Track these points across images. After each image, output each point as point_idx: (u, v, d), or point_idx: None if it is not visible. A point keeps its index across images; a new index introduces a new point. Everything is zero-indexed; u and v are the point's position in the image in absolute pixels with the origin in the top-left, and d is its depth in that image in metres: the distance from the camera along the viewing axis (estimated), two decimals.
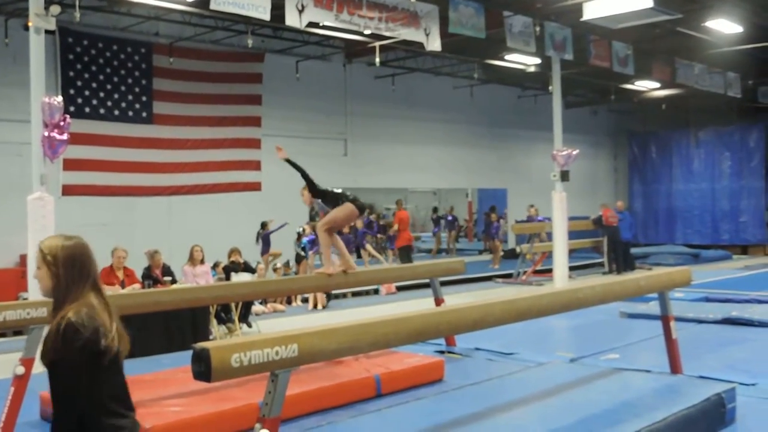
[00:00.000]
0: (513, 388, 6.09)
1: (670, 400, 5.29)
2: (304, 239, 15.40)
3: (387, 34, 11.89)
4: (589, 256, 20.45)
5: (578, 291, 5.63)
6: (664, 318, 6.33)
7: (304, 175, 7.17)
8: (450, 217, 23.66)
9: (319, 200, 7.24)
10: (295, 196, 17.47)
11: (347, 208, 7.07)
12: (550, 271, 16.58)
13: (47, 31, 8.93)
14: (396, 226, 16.43)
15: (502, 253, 20.40)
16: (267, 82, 16.24)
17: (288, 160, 7.16)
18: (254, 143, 16.08)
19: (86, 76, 13.73)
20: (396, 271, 9.96)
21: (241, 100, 15.90)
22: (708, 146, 25.57)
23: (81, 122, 12.78)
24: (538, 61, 16.78)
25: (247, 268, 12.33)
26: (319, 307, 13.49)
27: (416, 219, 29.37)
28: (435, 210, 25.82)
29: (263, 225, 15.30)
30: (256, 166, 16.07)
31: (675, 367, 6.32)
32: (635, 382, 6.02)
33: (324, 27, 12.50)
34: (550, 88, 16.25)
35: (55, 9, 8.72)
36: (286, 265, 14.72)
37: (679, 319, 7.21)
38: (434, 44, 12.25)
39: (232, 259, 12.27)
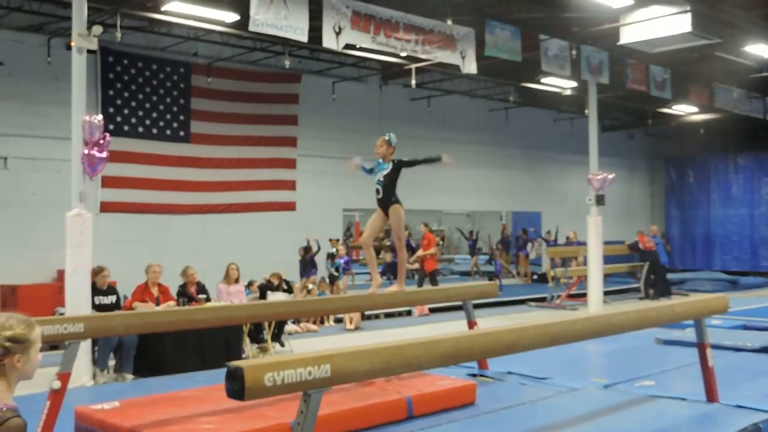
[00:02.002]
0: (545, 414, 6.02)
1: (706, 429, 5.21)
2: (339, 260, 15.39)
3: (423, 56, 11.95)
4: (625, 281, 20.21)
5: (613, 316, 5.57)
6: (701, 345, 6.24)
7: (418, 162, 7.31)
8: (471, 242, 23.32)
9: (388, 168, 7.21)
10: (328, 216, 17.56)
11: (400, 212, 7.23)
12: (584, 295, 16.42)
13: (89, 51, 9.09)
14: (433, 249, 16.04)
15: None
16: (303, 103, 16.37)
17: (400, 162, 7.19)
18: (290, 163, 16.21)
19: (125, 94, 13.95)
20: (429, 294, 9.92)
21: (278, 121, 16.04)
22: (747, 171, 25.27)
23: (119, 140, 12.94)
24: (574, 84, 16.74)
25: (287, 287, 12.36)
26: (352, 326, 13.45)
27: (451, 241, 29.20)
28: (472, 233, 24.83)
29: (307, 249, 15.34)
30: (291, 186, 16.18)
31: (711, 396, 6.22)
32: (670, 410, 5.94)
33: (360, 49, 12.60)
34: (586, 111, 16.19)
35: (98, 29, 8.88)
36: (323, 281, 14.70)
37: (715, 347, 7.09)
38: (470, 67, 12.29)
39: (269, 278, 12.29)
